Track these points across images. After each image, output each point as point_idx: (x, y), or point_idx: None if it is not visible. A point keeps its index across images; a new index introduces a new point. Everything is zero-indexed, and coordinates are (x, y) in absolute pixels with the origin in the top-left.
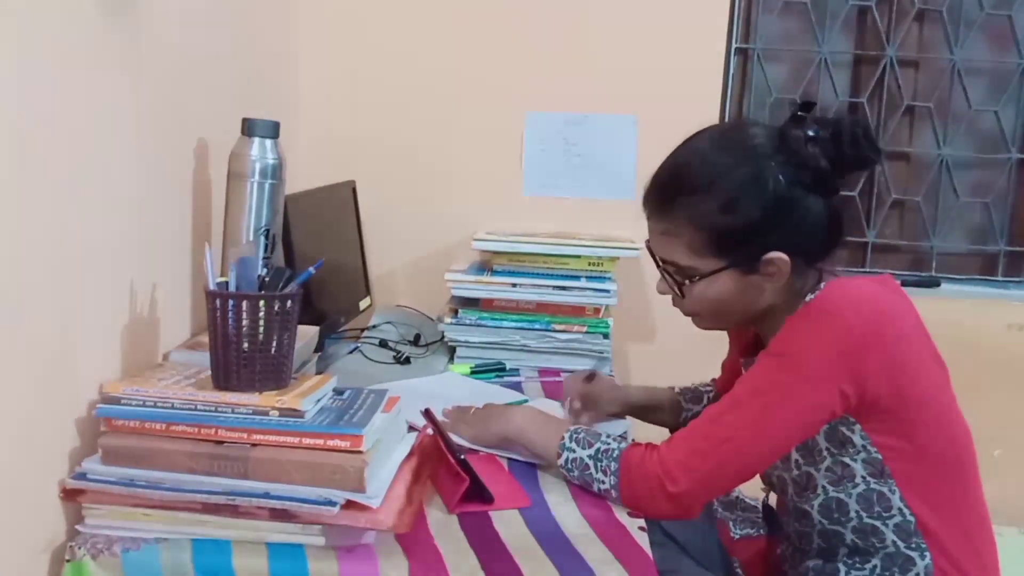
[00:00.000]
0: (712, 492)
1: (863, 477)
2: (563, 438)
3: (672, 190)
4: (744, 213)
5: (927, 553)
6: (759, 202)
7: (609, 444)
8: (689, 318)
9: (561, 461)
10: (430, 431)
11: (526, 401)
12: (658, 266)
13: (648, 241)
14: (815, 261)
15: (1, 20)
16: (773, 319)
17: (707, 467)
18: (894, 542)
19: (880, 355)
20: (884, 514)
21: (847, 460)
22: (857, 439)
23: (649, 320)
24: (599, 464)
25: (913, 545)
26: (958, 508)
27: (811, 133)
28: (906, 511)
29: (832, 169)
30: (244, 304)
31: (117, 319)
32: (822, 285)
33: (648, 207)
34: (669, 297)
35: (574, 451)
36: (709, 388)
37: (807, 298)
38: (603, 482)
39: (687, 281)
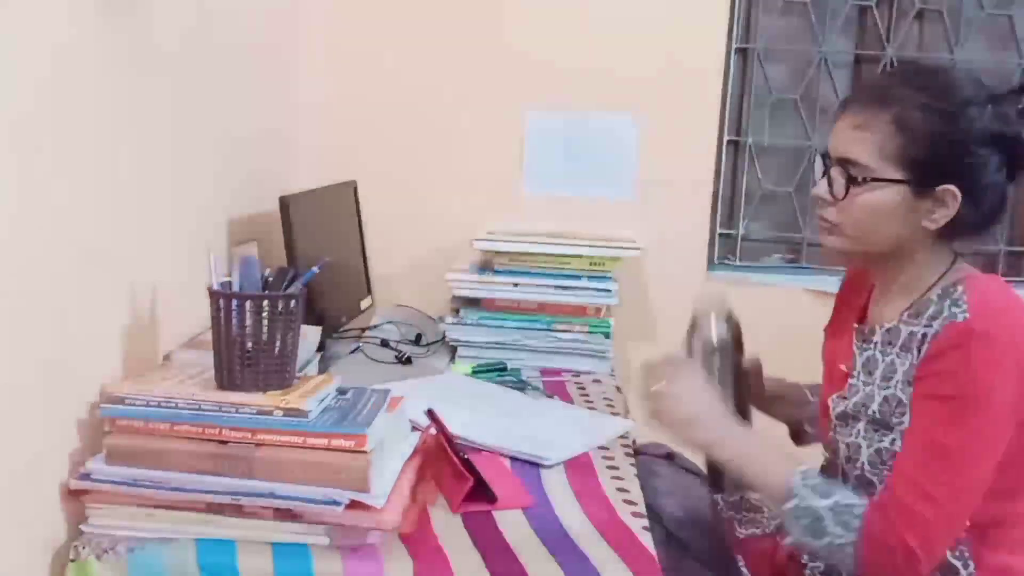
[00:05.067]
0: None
1: None
2: (794, 481)
3: (901, 80)
4: (952, 135)
5: (970, 563)
6: (969, 134)
7: (850, 499)
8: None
9: (790, 506)
10: (433, 431)
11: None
12: (826, 169)
13: (827, 146)
14: (974, 230)
15: (2, 20)
16: (897, 269)
17: (944, 533)
18: None
19: None
20: None
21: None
22: None
23: (650, 320)
24: (839, 518)
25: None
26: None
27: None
28: None
29: None
30: (248, 304)
31: (119, 319)
32: (958, 275)
33: (858, 96)
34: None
35: (806, 499)
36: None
37: (935, 280)
38: (840, 536)
39: (859, 180)
